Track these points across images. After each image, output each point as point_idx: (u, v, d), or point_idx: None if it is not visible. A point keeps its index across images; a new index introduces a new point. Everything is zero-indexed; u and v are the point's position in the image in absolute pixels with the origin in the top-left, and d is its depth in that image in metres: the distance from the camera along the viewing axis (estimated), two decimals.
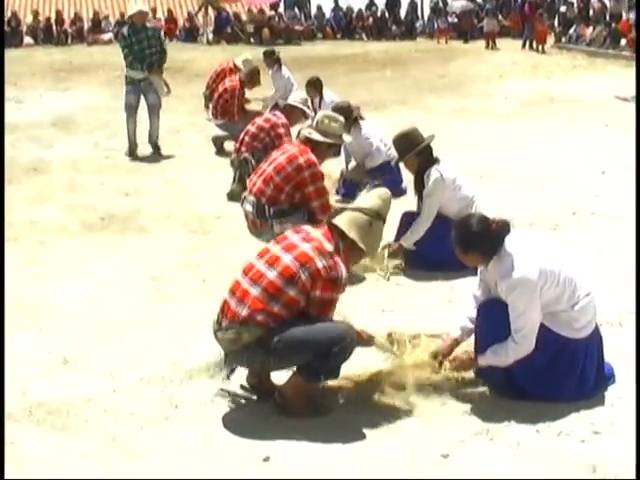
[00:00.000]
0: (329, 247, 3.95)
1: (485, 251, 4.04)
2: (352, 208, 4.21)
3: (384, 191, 4.34)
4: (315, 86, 10.27)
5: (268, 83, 12.49)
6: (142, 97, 10.19)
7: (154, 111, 10.23)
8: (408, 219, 6.20)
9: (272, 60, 12.56)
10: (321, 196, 6.00)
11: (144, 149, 10.39)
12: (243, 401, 4.19)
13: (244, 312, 3.87)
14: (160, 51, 10.21)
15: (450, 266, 5.40)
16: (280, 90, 12.07)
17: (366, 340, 4.20)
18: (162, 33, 11.11)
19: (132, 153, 10.26)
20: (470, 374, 4.28)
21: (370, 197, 4.24)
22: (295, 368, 4.00)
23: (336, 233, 4.04)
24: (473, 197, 6.06)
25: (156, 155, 10.31)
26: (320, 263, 3.86)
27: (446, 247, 5.35)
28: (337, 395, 4.19)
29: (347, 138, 6.52)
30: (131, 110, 10.19)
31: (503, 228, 4.07)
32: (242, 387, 4.26)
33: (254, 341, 3.85)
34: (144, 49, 9.97)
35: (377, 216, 4.14)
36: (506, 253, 3.99)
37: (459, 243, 4.11)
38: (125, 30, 10.20)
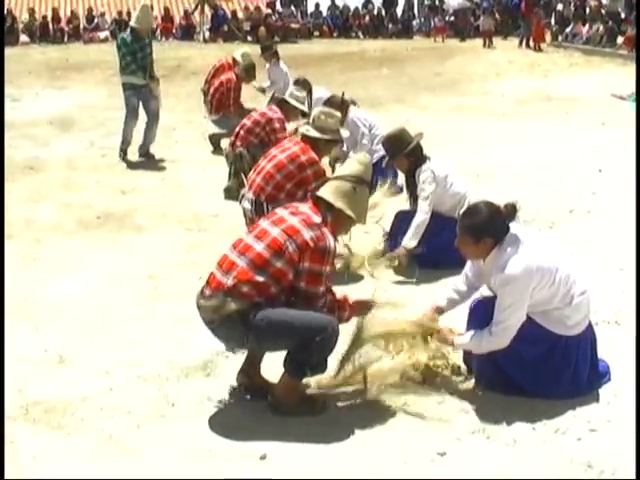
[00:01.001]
0: (317, 219, 3.94)
1: (498, 235, 3.98)
2: (334, 177, 4.21)
3: (363, 155, 4.37)
4: (304, 86, 10.25)
5: (264, 77, 12.49)
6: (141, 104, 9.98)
7: (155, 118, 10.00)
8: (402, 218, 6.21)
9: (270, 54, 12.54)
10: None
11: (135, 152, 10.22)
12: (240, 399, 4.19)
13: (229, 281, 3.84)
14: (151, 54, 10.01)
15: (444, 262, 5.42)
16: (277, 84, 12.07)
17: (367, 306, 4.19)
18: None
19: (124, 154, 10.02)
20: (462, 371, 4.30)
21: (350, 164, 4.25)
22: (283, 366, 3.97)
23: (322, 205, 4.03)
24: (465, 193, 6.06)
25: (151, 158, 10.11)
26: (307, 235, 3.85)
27: (440, 243, 5.38)
28: (333, 393, 4.19)
29: (344, 133, 6.53)
30: (134, 113, 9.92)
31: (513, 211, 4.04)
32: (233, 388, 4.24)
33: (236, 313, 3.79)
34: (146, 57, 9.73)
35: (360, 181, 4.13)
36: (506, 246, 3.97)
37: (471, 231, 4.00)
38: (127, 37, 9.77)
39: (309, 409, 4.02)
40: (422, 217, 5.97)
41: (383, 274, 5.92)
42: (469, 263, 4.35)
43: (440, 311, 4.35)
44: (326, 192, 4.08)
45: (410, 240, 5.96)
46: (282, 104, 8.09)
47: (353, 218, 4.10)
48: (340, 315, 4.06)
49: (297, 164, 5.96)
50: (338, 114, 6.27)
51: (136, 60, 9.63)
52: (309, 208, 4.04)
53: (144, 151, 10.09)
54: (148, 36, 10.01)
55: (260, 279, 3.82)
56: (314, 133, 6.04)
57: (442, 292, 4.43)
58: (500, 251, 3.97)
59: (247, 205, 6.17)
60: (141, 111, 9.98)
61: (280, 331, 3.82)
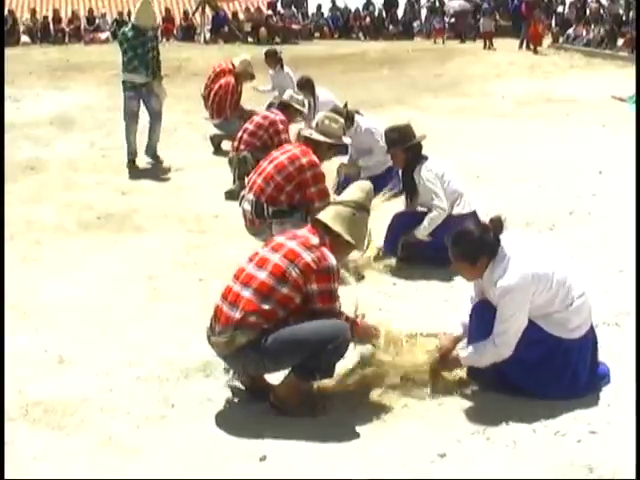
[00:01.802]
0: (315, 240, 3.96)
1: (492, 253, 4.00)
2: (334, 202, 4.25)
3: (365, 183, 4.40)
4: (306, 87, 10.25)
5: (265, 81, 12.50)
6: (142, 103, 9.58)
7: (157, 117, 9.62)
8: (399, 220, 6.22)
9: (274, 60, 12.49)
10: (323, 198, 5.98)
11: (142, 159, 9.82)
12: (240, 400, 4.19)
13: (237, 315, 3.87)
14: (158, 54, 9.69)
15: (442, 260, 5.42)
16: (282, 90, 12.04)
17: (372, 334, 4.21)
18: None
19: (132, 163, 9.55)
20: (462, 372, 4.30)
21: (351, 190, 4.27)
22: (290, 368, 4.00)
23: (321, 228, 4.06)
24: (462, 191, 6.08)
25: (158, 161, 9.77)
26: (308, 257, 3.87)
27: (437, 240, 5.38)
28: (333, 395, 4.19)
29: (347, 140, 6.55)
30: (133, 117, 9.48)
31: (499, 225, 4.05)
32: (235, 388, 4.25)
33: (247, 344, 3.84)
34: (148, 52, 9.35)
35: (360, 207, 4.16)
36: (501, 258, 3.99)
37: (466, 257, 4.03)
38: (129, 32, 9.36)
39: (310, 410, 4.02)
40: (437, 213, 5.94)
41: (379, 277, 5.93)
42: (473, 285, 4.34)
43: (458, 341, 4.31)
44: (326, 216, 4.11)
45: (422, 231, 5.97)
46: (283, 107, 8.09)
47: (351, 243, 4.12)
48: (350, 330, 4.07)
49: (297, 166, 5.96)
50: (342, 120, 6.29)
51: (137, 56, 9.26)
52: (307, 231, 4.07)
53: (151, 153, 9.77)
54: (152, 32, 9.67)
55: (267, 307, 3.85)
56: (317, 136, 6.05)
57: (457, 321, 4.40)
58: (495, 265, 3.99)
59: (247, 207, 6.17)
60: (143, 113, 9.70)
61: (293, 348, 3.85)
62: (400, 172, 6.42)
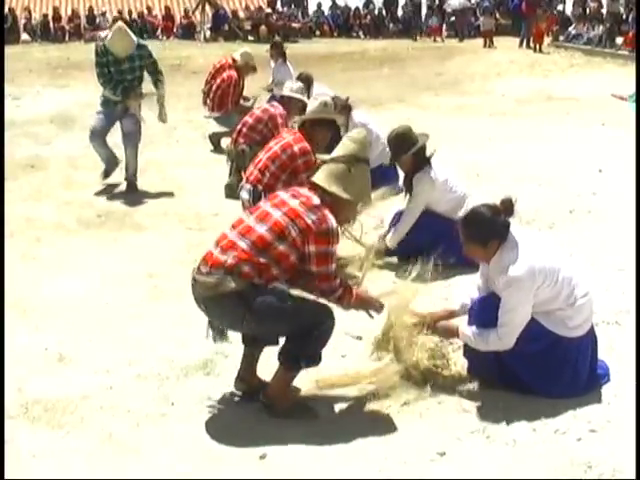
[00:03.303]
0: (316, 201, 3.90)
1: (502, 236, 4.00)
2: (328, 160, 4.12)
3: (356, 132, 4.25)
4: (305, 82, 10.24)
5: (267, 76, 12.49)
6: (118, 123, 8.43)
7: (129, 137, 8.36)
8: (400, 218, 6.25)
9: (278, 52, 12.47)
10: None
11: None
12: (240, 398, 4.18)
13: (230, 260, 3.79)
14: (153, 72, 8.38)
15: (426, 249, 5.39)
16: (282, 83, 12.03)
17: (374, 304, 4.19)
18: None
19: (108, 174, 8.63)
20: (463, 370, 4.30)
21: (343, 144, 4.13)
22: (277, 360, 3.95)
23: (319, 190, 3.98)
24: (464, 198, 6.07)
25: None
26: (309, 218, 3.82)
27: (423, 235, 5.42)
28: (332, 394, 4.19)
29: (339, 119, 6.55)
30: (98, 135, 8.42)
31: (510, 206, 4.05)
32: (231, 394, 4.23)
33: (233, 293, 3.75)
34: (122, 73, 8.15)
35: (355, 160, 4.02)
36: (510, 244, 3.98)
37: (477, 238, 4.02)
38: (101, 48, 8.26)
39: (300, 414, 3.99)
40: (407, 219, 6.07)
41: (380, 275, 5.93)
42: (479, 272, 4.35)
43: (452, 314, 4.34)
44: (319, 177, 4.01)
45: (392, 239, 6.12)
46: (283, 100, 8.09)
47: (351, 201, 4.02)
48: (344, 299, 4.01)
49: (289, 154, 5.96)
50: (329, 100, 6.26)
51: (104, 74, 8.19)
52: (309, 190, 4.00)
53: (127, 178, 8.56)
54: (129, 59, 8.14)
55: (261, 260, 3.79)
56: (307, 116, 6.05)
57: (456, 296, 4.41)
58: (503, 253, 3.99)
59: (245, 195, 6.16)
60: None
61: (279, 315, 3.80)
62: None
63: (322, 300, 4.01)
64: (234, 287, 3.75)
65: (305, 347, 3.86)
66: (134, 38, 8.12)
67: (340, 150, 4.11)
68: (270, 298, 3.78)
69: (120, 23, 8.36)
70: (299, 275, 3.91)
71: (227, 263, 3.79)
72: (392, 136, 6.17)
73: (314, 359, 3.93)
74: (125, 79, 8.15)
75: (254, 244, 3.81)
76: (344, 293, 4.00)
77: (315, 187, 4.00)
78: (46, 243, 6.81)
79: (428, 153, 6.10)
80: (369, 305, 4.19)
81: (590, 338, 4.16)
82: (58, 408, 4.07)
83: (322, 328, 3.84)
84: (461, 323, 4.23)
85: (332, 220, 3.87)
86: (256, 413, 4.02)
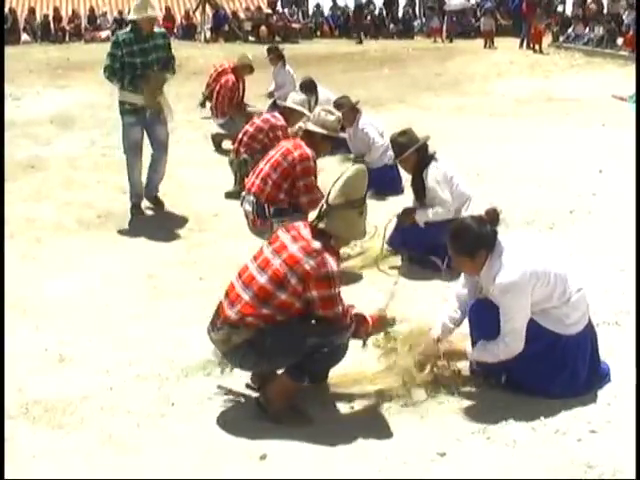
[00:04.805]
0: (316, 245, 3.90)
1: (490, 246, 4.01)
2: (326, 207, 4.08)
3: (353, 170, 4.14)
4: (309, 88, 10.28)
5: (268, 79, 12.51)
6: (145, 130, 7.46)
7: (162, 148, 7.53)
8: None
9: (276, 56, 12.53)
10: (310, 192, 5.92)
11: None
12: (240, 399, 4.19)
13: (234, 315, 3.88)
14: (168, 60, 7.36)
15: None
16: (283, 88, 12.06)
17: (387, 322, 4.27)
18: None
19: (138, 208, 7.67)
20: (465, 370, 4.30)
21: (335, 189, 4.06)
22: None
23: (318, 232, 3.99)
24: (469, 195, 6.07)
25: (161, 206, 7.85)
26: (308, 265, 3.82)
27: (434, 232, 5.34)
28: (333, 394, 4.19)
29: (343, 134, 6.55)
30: (136, 149, 7.43)
31: (495, 215, 4.08)
32: (247, 386, 4.26)
33: (244, 342, 3.85)
34: (150, 64, 7.14)
35: (352, 203, 4.01)
36: (498, 253, 4.00)
37: (465, 251, 4.05)
38: (123, 35, 7.14)
39: (295, 420, 3.97)
40: (443, 210, 5.95)
41: (381, 277, 5.93)
42: (460, 283, 4.36)
43: (437, 343, 4.30)
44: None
45: (423, 214, 6.03)
46: (285, 111, 8.08)
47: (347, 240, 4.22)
48: (358, 329, 4.09)
49: (289, 160, 5.94)
50: (338, 113, 6.26)
51: (134, 67, 7.07)
52: (309, 232, 3.99)
53: (150, 195, 7.81)
54: (152, 32, 7.18)
55: (265, 311, 3.85)
56: (311, 127, 6.03)
57: (436, 321, 4.41)
58: (493, 261, 4.00)
59: (248, 207, 6.14)
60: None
61: (290, 348, 3.86)
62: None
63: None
64: (241, 341, 3.85)
65: (313, 364, 3.88)
66: (158, 12, 7.32)
67: (331, 197, 4.06)
68: (276, 336, 3.83)
69: None
70: (308, 319, 3.94)
71: (232, 319, 3.88)
72: (394, 136, 6.19)
73: (319, 377, 4.01)
74: (146, 62, 7.07)
75: (256, 296, 3.87)
76: (358, 326, 4.07)
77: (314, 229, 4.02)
78: (46, 244, 6.81)
79: (430, 152, 6.11)
80: (385, 325, 4.28)
81: (589, 334, 4.16)
82: (58, 408, 4.07)
83: (332, 347, 3.87)
84: (467, 344, 4.23)
85: (332, 264, 3.87)
86: (256, 413, 4.01)
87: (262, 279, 3.89)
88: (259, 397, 4.04)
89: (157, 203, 7.84)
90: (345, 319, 3.97)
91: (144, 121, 7.31)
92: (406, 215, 6.15)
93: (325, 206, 4.06)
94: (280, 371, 4.02)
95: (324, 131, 5.98)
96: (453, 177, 6.05)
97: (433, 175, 5.97)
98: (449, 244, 4.11)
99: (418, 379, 4.20)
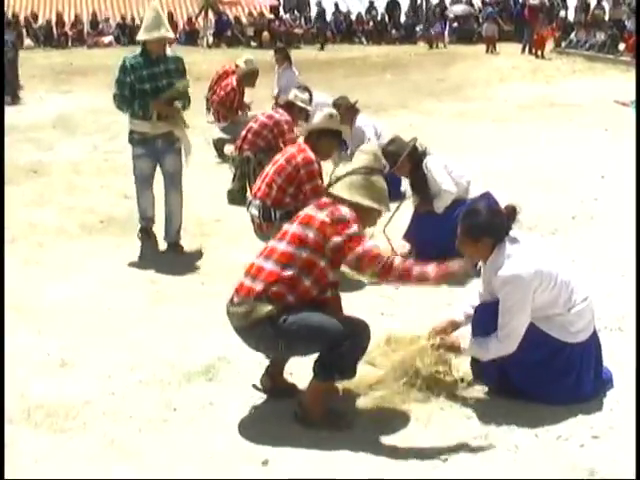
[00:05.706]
0: (327, 200, 3.98)
1: (497, 236, 4.00)
2: (344, 174, 4.11)
3: (368, 146, 4.37)
4: (305, 89, 10.27)
5: (271, 82, 12.51)
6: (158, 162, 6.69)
7: (171, 181, 6.73)
8: (419, 216, 6.33)
9: (282, 56, 12.53)
10: (317, 194, 5.93)
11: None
12: (242, 404, 4.18)
13: (259, 286, 3.83)
14: (181, 95, 6.55)
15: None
16: (286, 91, 12.04)
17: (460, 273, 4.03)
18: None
19: (146, 231, 6.83)
20: (467, 376, 4.30)
21: (357, 157, 4.18)
22: (312, 371, 3.94)
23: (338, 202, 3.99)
24: (469, 177, 6.29)
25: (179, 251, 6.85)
26: (321, 216, 3.86)
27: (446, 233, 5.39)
28: (336, 400, 4.18)
29: (346, 130, 6.57)
30: (146, 182, 6.72)
31: (513, 212, 4.07)
32: (255, 387, 4.26)
33: (267, 318, 3.79)
34: (161, 91, 6.39)
35: (372, 171, 4.07)
36: (506, 248, 3.98)
37: (470, 231, 4.02)
38: (131, 59, 6.37)
39: (335, 423, 3.96)
40: (446, 196, 6.13)
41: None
42: (481, 278, 4.35)
43: (456, 326, 4.32)
44: (339, 189, 4.02)
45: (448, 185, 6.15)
46: (288, 106, 8.09)
47: (375, 208, 4.05)
48: (422, 276, 3.86)
49: (293, 165, 5.95)
50: (334, 111, 6.26)
51: (143, 93, 6.37)
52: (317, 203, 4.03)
53: (170, 239, 6.85)
54: (164, 54, 6.47)
55: (289, 273, 3.82)
56: (313, 126, 6.05)
57: (459, 307, 4.41)
58: (499, 253, 3.99)
59: (254, 211, 6.14)
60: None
61: (310, 334, 3.80)
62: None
63: (355, 315, 4.03)
64: (264, 313, 3.79)
65: (337, 359, 3.84)
66: (171, 34, 6.53)
67: (355, 163, 4.16)
68: (301, 319, 3.80)
69: (154, 3, 6.65)
70: (334, 285, 3.94)
71: (256, 290, 3.84)
72: (384, 147, 6.24)
73: (348, 371, 3.93)
74: (156, 88, 6.36)
75: (278, 261, 3.85)
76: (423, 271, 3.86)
77: (334, 200, 4.01)
78: (48, 248, 6.82)
79: (421, 149, 6.27)
80: (457, 276, 4.05)
81: (593, 343, 4.15)
82: (60, 413, 4.07)
83: (354, 339, 3.83)
84: (462, 339, 4.22)
85: (345, 209, 3.88)
86: (258, 418, 4.02)
87: (282, 245, 3.89)
88: (295, 411, 3.99)
89: (175, 249, 6.82)
90: (378, 258, 3.82)
91: (155, 152, 6.60)
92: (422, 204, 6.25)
93: (358, 177, 4.05)
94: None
95: (319, 126, 5.99)
96: (446, 165, 6.22)
97: (431, 167, 6.14)
98: (459, 223, 4.10)
99: (420, 384, 4.20)
